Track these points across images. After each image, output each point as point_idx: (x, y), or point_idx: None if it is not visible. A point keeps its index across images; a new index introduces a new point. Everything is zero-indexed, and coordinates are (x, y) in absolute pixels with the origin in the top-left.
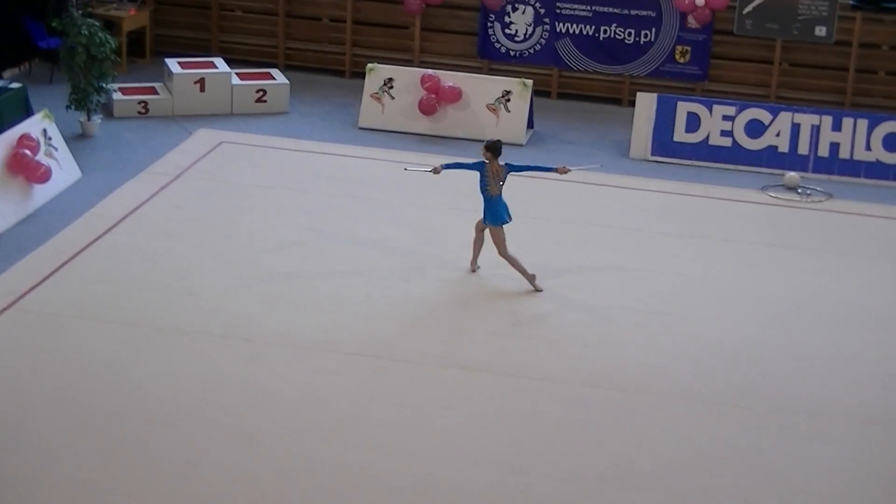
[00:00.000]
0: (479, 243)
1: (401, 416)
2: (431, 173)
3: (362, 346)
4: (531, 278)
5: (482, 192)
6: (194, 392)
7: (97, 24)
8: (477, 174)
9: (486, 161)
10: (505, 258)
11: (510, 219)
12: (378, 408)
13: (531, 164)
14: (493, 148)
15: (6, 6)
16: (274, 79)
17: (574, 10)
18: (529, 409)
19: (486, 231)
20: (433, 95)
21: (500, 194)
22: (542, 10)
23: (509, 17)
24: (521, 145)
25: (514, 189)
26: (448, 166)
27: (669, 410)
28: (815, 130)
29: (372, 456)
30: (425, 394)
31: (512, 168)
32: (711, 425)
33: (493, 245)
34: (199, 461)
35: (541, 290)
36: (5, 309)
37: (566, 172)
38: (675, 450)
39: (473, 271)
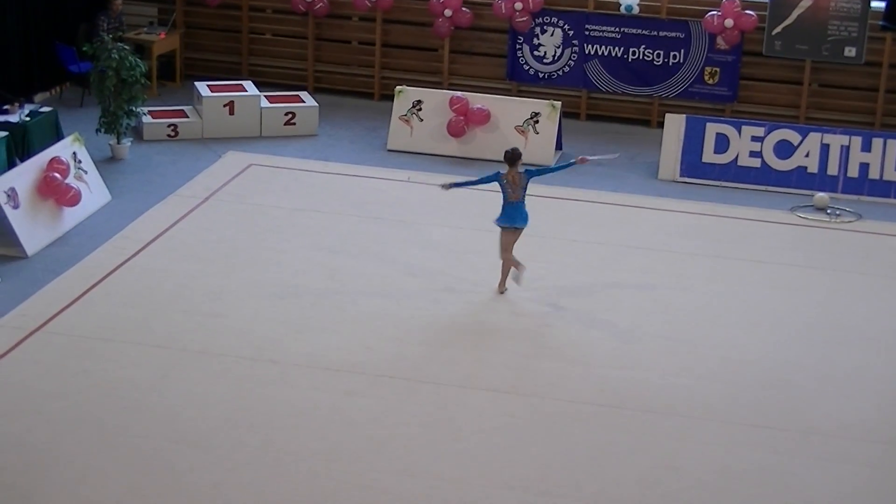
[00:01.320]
0: (508, 265)
1: (428, 437)
2: (441, 188)
3: (390, 367)
4: (502, 284)
5: (504, 198)
6: (222, 414)
7: (128, 48)
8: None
9: (503, 171)
10: (504, 259)
11: (524, 224)
12: (405, 429)
13: (551, 167)
14: (508, 158)
15: (38, 31)
16: (303, 101)
17: (602, 31)
18: (557, 431)
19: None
20: (462, 117)
21: (522, 200)
22: (571, 32)
23: (538, 39)
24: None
25: (543, 210)
26: (457, 185)
27: (697, 431)
28: (845, 151)
29: (399, 478)
30: (453, 415)
31: (532, 174)
32: (739, 446)
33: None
34: (227, 483)
35: (502, 293)
36: (35, 331)
37: (585, 162)
38: (703, 471)
39: (501, 293)
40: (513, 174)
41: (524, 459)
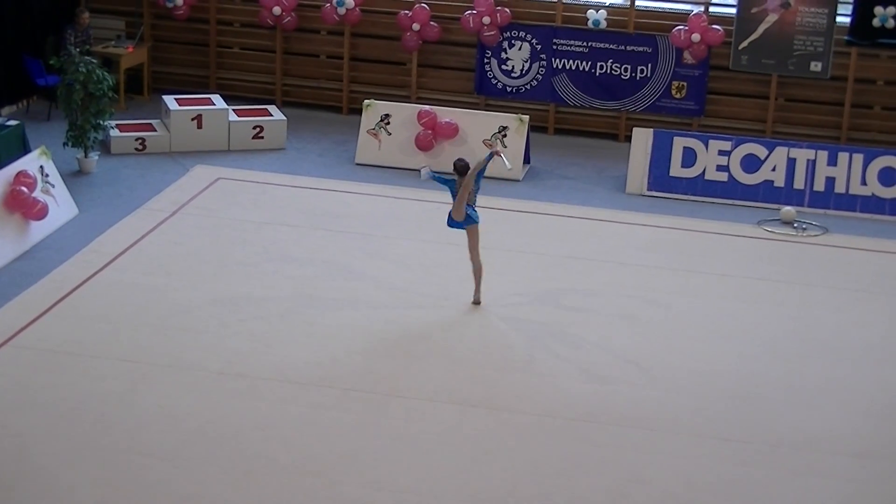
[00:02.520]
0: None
1: (396, 451)
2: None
3: (358, 381)
4: (477, 292)
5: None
6: (190, 428)
7: (95, 61)
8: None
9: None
10: (474, 261)
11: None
12: (374, 443)
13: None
14: (460, 169)
15: (5, 44)
16: (271, 115)
17: (570, 46)
18: (525, 444)
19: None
20: (430, 131)
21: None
22: (539, 47)
23: (506, 53)
24: (517, 181)
25: (511, 224)
26: (435, 176)
27: (665, 444)
28: (811, 165)
29: (367, 491)
30: (421, 429)
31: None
32: (707, 459)
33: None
34: (197, 496)
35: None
36: (2, 345)
37: (497, 153)
38: (671, 484)
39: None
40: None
41: (493, 472)
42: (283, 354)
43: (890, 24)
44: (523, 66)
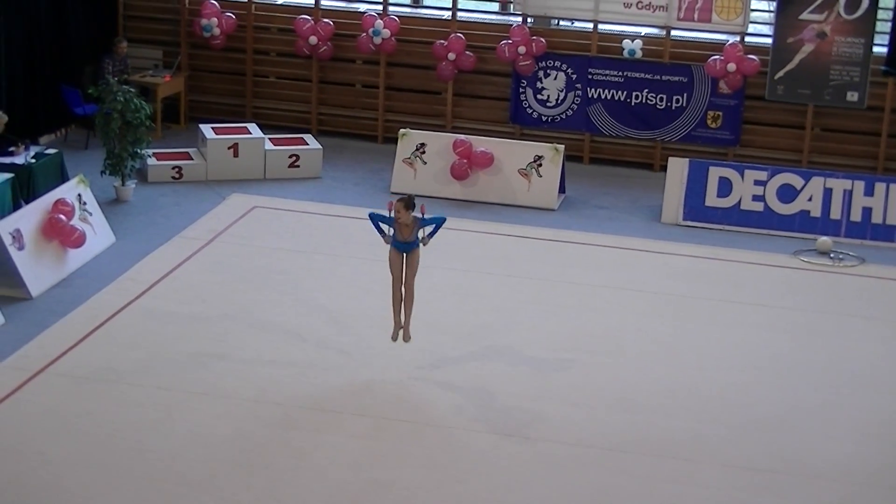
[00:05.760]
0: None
1: (431, 480)
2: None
3: (393, 409)
4: (397, 324)
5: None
6: (225, 456)
7: (133, 90)
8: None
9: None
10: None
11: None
12: (408, 472)
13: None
14: (407, 203)
15: (44, 74)
16: (307, 144)
17: (605, 75)
18: (560, 475)
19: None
20: (465, 160)
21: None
22: (574, 76)
23: (541, 82)
24: (552, 210)
25: (545, 253)
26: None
27: (698, 475)
28: (848, 195)
29: None
30: (456, 458)
31: (423, 223)
32: (740, 490)
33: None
34: None
35: (395, 340)
36: (39, 372)
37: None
38: None
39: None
40: (405, 219)
41: (527, 502)
42: (318, 383)
43: None
44: (558, 95)
